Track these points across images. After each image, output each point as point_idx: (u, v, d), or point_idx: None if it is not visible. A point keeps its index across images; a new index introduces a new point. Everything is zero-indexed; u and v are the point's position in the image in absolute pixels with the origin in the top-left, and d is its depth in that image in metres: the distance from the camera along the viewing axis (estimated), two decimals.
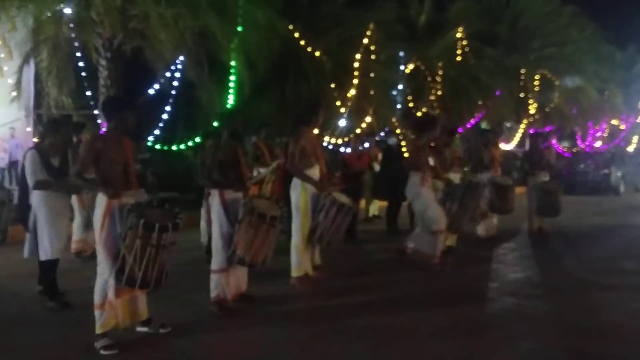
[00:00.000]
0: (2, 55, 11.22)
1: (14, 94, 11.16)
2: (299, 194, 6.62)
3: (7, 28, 10.74)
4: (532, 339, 5.02)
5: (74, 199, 7.91)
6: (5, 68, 11.28)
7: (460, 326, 5.34)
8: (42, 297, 6.01)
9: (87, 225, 7.49)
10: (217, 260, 5.72)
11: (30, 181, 5.74)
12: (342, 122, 15.62)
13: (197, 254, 8.06)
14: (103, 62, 11.65)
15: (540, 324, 5.49)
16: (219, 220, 5.70)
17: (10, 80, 11.17)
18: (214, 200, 5.77)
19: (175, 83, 12.15)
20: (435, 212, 7.63)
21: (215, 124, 12.38)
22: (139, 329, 5.00)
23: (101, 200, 4.71)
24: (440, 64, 19.99)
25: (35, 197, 5.77)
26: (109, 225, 4.66)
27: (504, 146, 21.31)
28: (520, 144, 24.82)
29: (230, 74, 12.66)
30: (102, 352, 4.56)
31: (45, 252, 5.77)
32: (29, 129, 11.88)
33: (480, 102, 21.46)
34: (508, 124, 25.39)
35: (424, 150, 7.79)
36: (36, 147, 5.93)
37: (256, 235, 5.47)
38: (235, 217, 5.65)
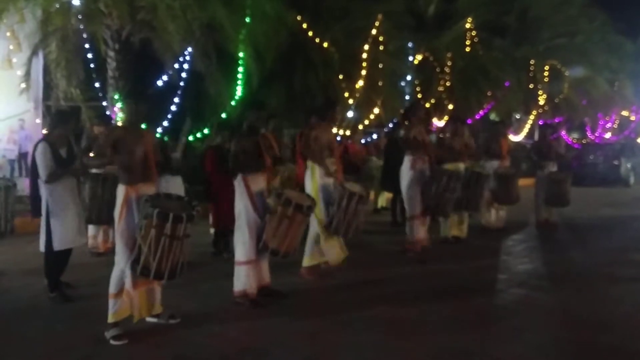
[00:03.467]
0: (11, 47, 11.25)
1: (23, 85, 11.20)
2: (310, 185, 6.64)
3: (16, 20, 10.76)
4: (541, 331, 5.01)
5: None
6: (15, 60, 11.32)
7: (469, 318, 5.34)
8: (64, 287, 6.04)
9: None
10: (243, 251, 5.62)
11: (43, 174, 5.72)
12: (350, 114, 15.61)
13: (206, 244, 8.09)
14: (111, 53, 11.67)
15: (549, 315, 5.49)
16: (245, 210, 5.60)
17: (20, 72, 11.21)
18: (239, 191, 5.66)
19: (183, 74, 12.16)
20: (411, 196, 7.80)
21: (223, 115, 12.40)
22: (149, 319, 5.03)
23: (120, 190, 4.78)
24: (449, 55, 19.92)
25: (46, 189, 5.78)
26: (126, 216, 4.71)
27: (512, 137, 21.24)
28: (529, 135, 24.73)
29: (238, 65, 12.67)
30: (112, 342, 4.59)
31: (60, 243, 5.76)
32: (38, 121, 11.92)
33: (489, 93, 21.38)
34: (517, 115, 25.28)
35: (417, 134, 7.81)
36: (46, 138, 5.93)
37: (290, 226, 5.49)
38: (262, 208, 5.61)
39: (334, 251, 6.67)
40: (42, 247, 5.81)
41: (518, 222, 10.69)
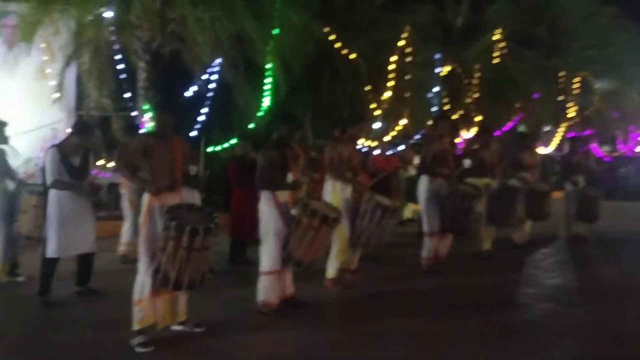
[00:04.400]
0: (46, 58, 11.49)
1: (56, 95, 11.42)
2: (331, 198, 6.64)
3: (50, 31, 11.00)
4: (570, 346, 4.93)
5: (125, 200, 7.99)
6: (49, 70, 11.55)
7: (497, 332, 5.28)
8: (80, 297, 6.15)
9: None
10: (268, 261, 5.61)
11: (48, 178, 5.81)
12: (377, 125, 15.60)
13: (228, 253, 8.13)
14: (142, 64, 11.85)
15: (578, 330, 5.40)
16: (271, 221, 5.60)
17: (53, 82, 11.44)
18: (266, 202, 5.65)
19: (212, 85, 12.29)
20: (428, 212, 7.66)
21: (250, 125, 12.49)
22: (174, 327, 5.06)
23: (145, 198, 4.86)
24: (477, 67, 19.80)
25: (50, 195, 5.84)
26: (148, 224, 4.78)
27: (541, 150, 20.98)
28: (559, 147, 24.38)
29: (265, 76, 12.76)
30: (138, 349, 4.63)
31: (51, 250, 5.83)
32: (69, 130, 12.16)
33: (517, 105, 21.16)
34: (546, 128, 24.97)
35: (438, 148, 7.71)
36: (58, 145, 5.98)
37: (316, 237, 5.49)
38: (288, 219, 5.62)
39: (333, 265, 6.67)
40: (47, 253, 5.89)
41: (547, 235, 10.54)
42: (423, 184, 7.75)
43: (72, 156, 5.90)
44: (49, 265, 5.93)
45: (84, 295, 6.20)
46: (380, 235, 6.55)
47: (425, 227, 7.76)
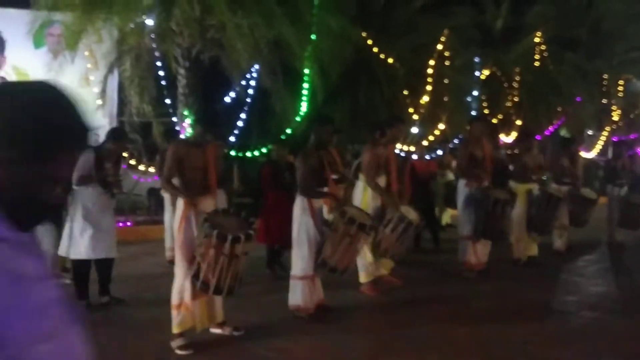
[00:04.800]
0: (89, 66, 11.79)
1: (99, 102, 11.70)
2: (360, 201, 6.63)
3: (93, 40, 11.29)
4: (613, 355, 4.81)
5: (168, 205, 8.06)
6: (92, 78, 11.85)
7: (539, 341, 5.17)
8: (114, 303, 6.16)
9: None
10: (301, 266, 5.63)
11: (74, 176, 5.70)
12: (415, 129, 15.50)
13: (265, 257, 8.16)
14: (182, 71, 12.04)
15: (622, 339, 5.25)
16: (306, 227, 5.61)
17: (96, 89, 11.73)
18: (300, 207, 5.66)
19: (250, 91, 12.44)
20: (463, 216, 7.63)
21: (288, 130, 12.56)
22: (213, 330, 5.11)
23: (180, 204, 4.95)
24: (517, 70, 19.52)
25: (76, 196, 5.88)
26: (185, 229, 4.85)
27: (584, 155, 20.53)
28: (603, 152, 23.83)
29: (303, 81, 12.82)
30: (178, 351, 4.70)
31: (78, 252, 5.89)
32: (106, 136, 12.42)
33: (559, 109, 20.79)
34: (589, 131, 24.44)
35: (474, 150, 7.61)
36: (94, 148, 6.08)
37: (351, 244, 5.50)
38: (321, 225, 5.65)
39: (366, 269, 6.64)
40: (74, 255, 5.93)
41: (589, 242, 10.28)
42: (460, 187, 7.71)
43: (105, 161, 6.04)
44: (81, 267, 5.98)
45: (112, 304, 6.12)
46: (399, 246, 6.49)
47: (461, 231, 7.70)
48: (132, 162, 11.41)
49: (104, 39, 11.40)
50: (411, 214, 6.62)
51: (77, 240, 5.88)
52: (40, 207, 1.14)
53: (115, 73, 12.05)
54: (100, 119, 11.95)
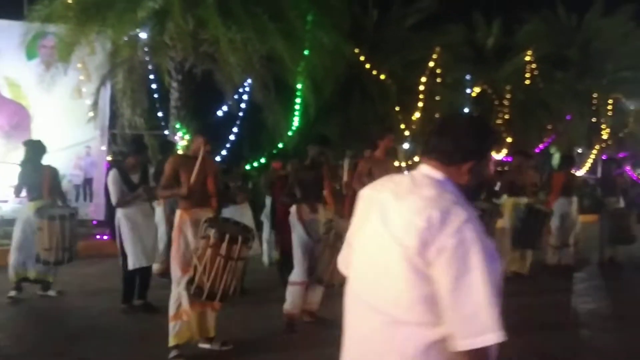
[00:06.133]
0: (82, 78, 11.76)
1: (91, 114, 11.66)
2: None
3: (86, 52, 11.27)
4: None
5: (161, 218, 8.06)
6: (84, 90, 11.81)
7: (528, 358, 5.16)
8: (126, 314, 6.23)
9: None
10: (296, 272, 5.75)
11: (113, 199, 6.21)
12: (406, 145, 15.57)
13: (260, 270, 8.14)
14: (174, 84, 12.05)
15: (612, 357, 5.25)
16: (298, 234, 5.77)
17: (88, 101, 11.68)
18: (293, 215, 5.86)
19: (242, 105, 12.46)
20: None
21: (280, 145, 12.57)
22: (202, 345, 5.05)
23: (177, 214, 5.01)
24: (508, 88, 19.70)
25: (119, 214, 6.23)
26: (179, 239, 4.87)
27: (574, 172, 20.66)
28: (592, 170, 24.01)
29: (296, 96, 12.86)
30: None
31: (132, 263, 6.16)
32: (103, 148, 12.38)
33: (549, 127, 20.96)
34: (579, 150, 24.64)
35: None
36: (117, 165, 6.44)
37: (333, 255, 5.43)
38: (315, 234, 5.72)
39: None
40: (129, 266, 6.20)
41: (580, 259, 10.30)
42: None
43: (132, 174, 6.28)
44: (129, 277, 6.27)
45: (145, 309, 6.31)
46: None
47: None
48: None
49: (97, 51, 11.39)
50: None
51: (130, 253, 6.18)
52: (478, 188, 2.53)
53: (108, 85, 12.03)
54: (92, 131, 11.93)
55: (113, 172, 6.26)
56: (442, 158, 1.86)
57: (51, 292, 6.90)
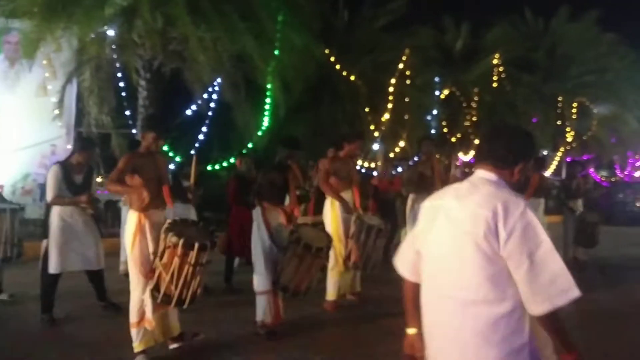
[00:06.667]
0: (47, 75, 11.56)
1: (57, 112, 11.47)
2: (330, 218, 6.62)
3: (52, 48, 11.08)
4: None
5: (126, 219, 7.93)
6: (49, 87, 11.61)
7: None
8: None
9: None
10: (260, 281, 5.57)
11: (48, 195, 5.80)
12: (376, 146, 15.65)
13: (222, 272, 8.07)
14: (143, 82, 11.92)
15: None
16: (261, 241, 5.59)
17: (54, 99, 11.49)
18: (256, 222, 5.66)
19: (212, 104, 12.37)
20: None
21: (249, 145, 12.53)
22: (172, 346, 4.98)
23: (132, 216, 4.76)
24: (475, 90, 19.94)
25: (53, 212, 5.84)
26: (140, 243, 4.69)
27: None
28: (557, 172, 24.46)
29: (266, 96, 12.84)
30: None
31: (52, 267, 5.79)
32: (69, 147, 12.13)
33: None
34: (544, 152, 25.08)
35: (424, 169, 7.74)
36: (61, 162, 5.96)
37: (300, 264, 5.40)
38: (280, 242, 5.57)
39: (331, 286, 6.63)
40: (49, 270, 5.84)
41: None
42: (409, 204, 7.78)
43: (75, 173, 5.86)
44: (50, 281, 5.86)
45: (108, 309, 6.19)
46: (368, 256, 6.50)
47: None
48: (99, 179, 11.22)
49: (63, 48, 11.21)
50: (373, 219, 6.66)
51: (53, 255, 5.79)
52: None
53: (74, 83, 11.84)
54: (57, 129, 11.72)
55: (54, 168, 5.79)
56: (496, 162, 2.22)
57: (3, 296, 6.60)
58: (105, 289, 6.30)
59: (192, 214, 7.09)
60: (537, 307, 2.04)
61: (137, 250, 4.69)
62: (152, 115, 10.33)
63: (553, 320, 2.11)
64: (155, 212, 4.81)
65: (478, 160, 2.29)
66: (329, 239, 5.82)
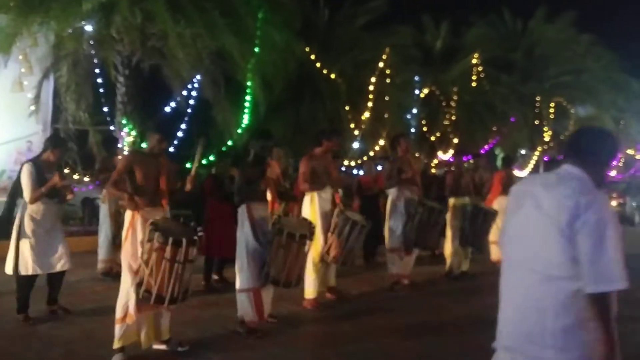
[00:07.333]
0: (23, 70, 11.38)
1: (33, 108, 11.30)
2: (309, 212, 6.61)
3: (28, 43, 10.91)
4: None
5: (105, 215, 7.86)
6: (25, 83, 11.44)
7: (471, 353, 5.26)
8: (52, 315, 6.01)
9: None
10: (242, 279, 5.55)
11: (26, 195, 5.67)
12: (356, 145, 15.68)
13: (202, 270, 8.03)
14: (121, 78, 11.79)
15: None
16: (245, 238, 5.56)
17: (30, 95, 11.31)
18: (241, 219, 5.62)
19: (191, 101, 12.28)
20: (391, 228, 7.70)
21: (229, 142, 12.47)
22: (156, 346, 4.94)
23: (128, 213, 4.82)
24: (455, 89, 20.07)
25: (26, 211, 5.73)
26: (130, 239, 4.73)
27: (517, 173, 21.23)
28: (535, 171, 24.72)
29: (246, 93, 12.79)
30: None
31: (25, 268, 5.69)
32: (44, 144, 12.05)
33: (494, 128, 21.46)
34: (522, 151, 25.34)
35: (402, 165, 7.78)
36: (32, 160, 5.84)
37: (287, 255, 5.43)
38: (264, 236, 5.57)
39: (311, 284, 6.63)
40: (8, 270, 5.73)
41: None
42: (390, 201, 7.81)
43: (47, 172, 5.74)
44: (26, 282, 5.77)
45: (56, 313, 6.04)
46: (349, 251, 6.53)
47: (391, 243, 7.73)
48: (67, 170, 11.07)
49: (40, 43, 11.04)
50: (356, 215, 6.68)
51: (25, 256, 5.68)
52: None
53: (51, 78, 11.68)
54: (34, 125, 11.56)
55: (27, 167, 5.67)
56: (582, 159, 2.53)
57: None
58: (58, 292, 6.11)
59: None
60: (591, 286, 2.31)
61: (127, 246, 4.73)
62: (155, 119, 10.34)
63: (603, 304, 2.36)
64: (151, 211, 4.82)
65: (567, 156, 2.60)
66: (311, 225, 5.86)
